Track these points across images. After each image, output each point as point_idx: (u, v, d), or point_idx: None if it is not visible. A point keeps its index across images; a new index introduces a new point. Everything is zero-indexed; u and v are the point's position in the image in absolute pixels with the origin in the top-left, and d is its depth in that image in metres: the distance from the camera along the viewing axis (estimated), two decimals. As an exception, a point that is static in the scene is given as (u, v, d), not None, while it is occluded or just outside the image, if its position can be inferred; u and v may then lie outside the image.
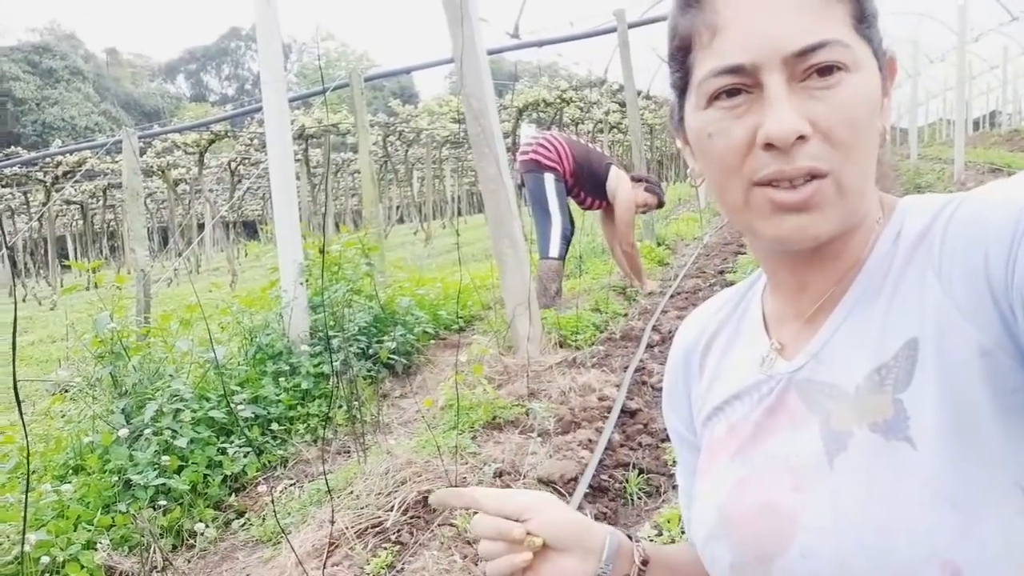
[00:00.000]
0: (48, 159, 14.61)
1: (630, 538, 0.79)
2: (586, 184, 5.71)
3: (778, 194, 0.61)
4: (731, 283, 2.93)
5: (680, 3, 0.65)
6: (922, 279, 0.61)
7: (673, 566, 0.82)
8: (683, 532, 2.23)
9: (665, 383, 0.89)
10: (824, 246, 0.65)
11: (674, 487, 2.69)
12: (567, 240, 5.54)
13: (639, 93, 9.07)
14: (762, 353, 0.73)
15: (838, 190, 0.61)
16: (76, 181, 16.30)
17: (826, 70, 0.59)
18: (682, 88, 0.68)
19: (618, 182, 5.71)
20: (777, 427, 0.69)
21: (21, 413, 1.25)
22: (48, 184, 15.50)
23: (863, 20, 0.62)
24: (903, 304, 0.62)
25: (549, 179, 5.48)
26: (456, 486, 2.51)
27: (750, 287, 0.81)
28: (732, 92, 0.62)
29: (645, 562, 0.78)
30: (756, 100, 0.61)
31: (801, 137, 0.59)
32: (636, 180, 5.84)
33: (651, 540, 2.26)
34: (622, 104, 14.37)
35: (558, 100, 13.87)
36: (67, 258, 27.45)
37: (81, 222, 22.58)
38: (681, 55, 0.66)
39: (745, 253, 7.51)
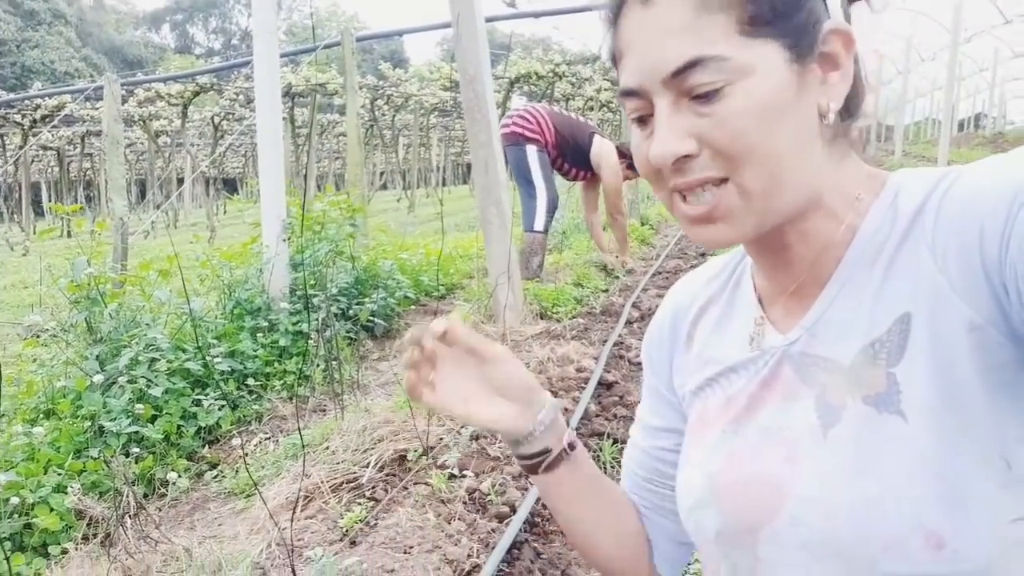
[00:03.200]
0: (26, 102, 14.25)
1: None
2: (569, 154, 5.63)
3: (685, 207, 0.65)
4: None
5: (605, 24, 0.68)
6: (917, 254, 0.61)
7: (585, 471, 0.85)
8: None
9: (646, 342, 0.89)
10: (782, 230, 0.66)
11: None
12: (552, 213, 5.49)
13: (632, 71, 9.01)
14: (756, 327, 0.74)
15: (742, 196, 0.62)
16: (54, 126, 15.92)
17: (707, 93, 0.60)
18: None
19: (603, 151, 5.63)
20: (771, 399, 0.69)
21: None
22: (25, 128, 15.14)
23: (754, 22, 0.60)
24: (897, 279, 0.62)
25: (531, 151, 5.38)
26: (432, 447, 2.52)
27: (742, 257, 0.81)
28: (642, 119, 0.66)
29: (572, 446, 0.82)
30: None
31: (688, 156, 0.62)
32: (621, 154, 5.76)
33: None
34: (614, 83, 14.30)
35: (551, 74, 13.75)
36: (41, 205, 26.91)
37: (57, 169, 22.12)
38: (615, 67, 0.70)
39: (728, 237, 7.54)
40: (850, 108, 0.66)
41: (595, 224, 6.22)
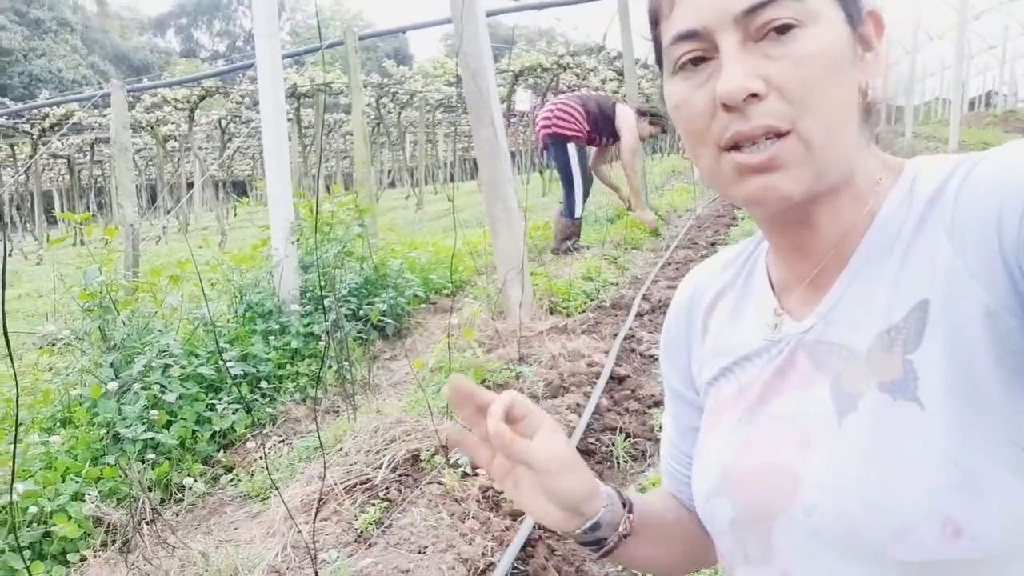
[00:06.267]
0: (35, 111, 14.34)
1: (622, 502, 0.78)
2: (603, 130, 6.40)
3: (741, 156, 0.62)
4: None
5: None
6: (935, 240, 0.60)
7: (654, 524, 0.81)
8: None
9: (663, 338, 0.89)
10: (812, 207, 0.65)
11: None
12: (585, 199, 6.44)
13: (637, 61, 8.97)
14: (770, 316, 0.73)
15: (804, 147, 0.60)
16: (63, 134, 16.02)
17: (781, 28, 0.59)
18: (659, 61, 0.70)
19: (625, 115, 6.43)
20: (786, 387, 0.69)
21: (13, 362, 1.24)
22: (35, 137, 15.25)
23: None
24: (915, 265, 0.61)
25: (571, 148, 6.22)
26: (445, 446, 2.53)
27: (756, 246, 0.81)
28: (696, 61, 0.63)
29: (627, 535, 0.77)
30: (716, 66, 0.62)
31: (755, 95, 0.59)
32: (641, 113, 6.54)
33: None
34: (619, 72, 14.22)
35: (555, 66, 13.70)
36: (53, 214, 27.07)
37: (68, 177, 22.28)
38: (653, 29, 0.68)
39: (737, 225, 7.51)
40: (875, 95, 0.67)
41: (604, 172, 7.25)
